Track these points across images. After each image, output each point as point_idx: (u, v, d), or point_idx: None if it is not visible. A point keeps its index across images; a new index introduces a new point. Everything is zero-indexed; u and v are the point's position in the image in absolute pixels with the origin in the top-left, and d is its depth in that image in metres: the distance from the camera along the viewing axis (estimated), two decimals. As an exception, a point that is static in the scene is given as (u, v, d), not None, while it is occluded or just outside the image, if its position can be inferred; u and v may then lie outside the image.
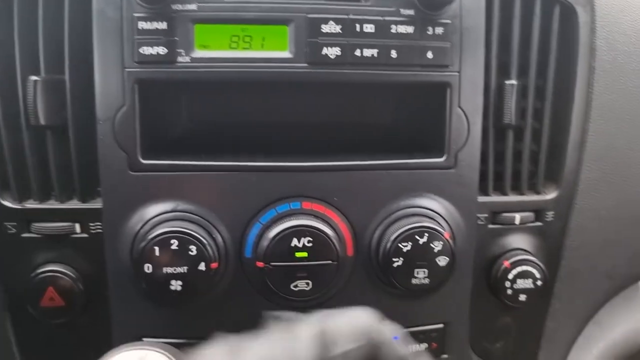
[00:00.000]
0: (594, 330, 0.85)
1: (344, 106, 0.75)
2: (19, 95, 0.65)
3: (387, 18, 0.63)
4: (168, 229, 0.60)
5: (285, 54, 0.62)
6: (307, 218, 0.64)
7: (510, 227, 0.75)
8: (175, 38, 0.61)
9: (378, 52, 0.63)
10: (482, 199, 0.72)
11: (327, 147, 0.72)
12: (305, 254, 0.62)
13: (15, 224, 0.67)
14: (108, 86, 0.62)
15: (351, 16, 0.62)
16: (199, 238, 0.60)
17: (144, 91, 0.62)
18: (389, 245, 0.63)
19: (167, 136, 0.72)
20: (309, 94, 0.73)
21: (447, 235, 0.64)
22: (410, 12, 0.63)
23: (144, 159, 0.63)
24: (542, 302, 0.79)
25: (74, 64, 0.65)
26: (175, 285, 0.60)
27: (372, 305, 0.69)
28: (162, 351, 0.48)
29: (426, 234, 0.63)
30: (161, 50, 0.61)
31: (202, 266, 0.60)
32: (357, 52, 0.63)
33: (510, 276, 0.72)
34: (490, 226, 0.74)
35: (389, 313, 0.69)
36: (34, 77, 0.64)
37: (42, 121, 0.65)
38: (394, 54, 0.63)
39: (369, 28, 0.63)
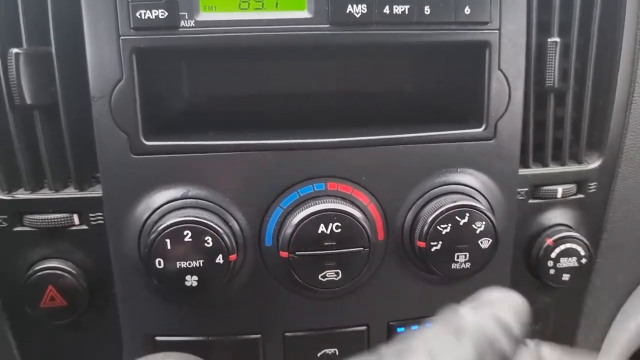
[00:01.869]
0: (633, 304, 0.80)
1: (369, 72, 0.67)
2: (-1, 71, 0.57)
3: (419, -32, 0.55)
4: (180, 218, 0.53)
5: (304, 14, 0.54)
6: (334, 200, 0.57)
7: (551, 201, 0.69)
8: (177, -1, 0.52)
9: (409, 9, 0.55)
10: (522, 171, 0.66)
11: (351, 120, 0.65)
12: (333, 242, 0.56)
13: (5, 217, 0.60)
14: (102, 58, 0.54)
15: (379, -33, 0.54)
16: (214, 227, 0.53)
17: (142, 62, 0.55)
18: (426, 227, 0.57)
19: (170, 112, 0.64)
20: (330, 58, 0.65)
21: (489, 214, 0.58)
22: (446, -40, 0.55)
23: (146, 140, 0.56)
24: (582, 280, 0.74)
25: (60, 33, 0.57)
26: (191, 280, 0.54)
27: (406, 293, 0.64)
28: None
29: (467, 214, 0.57)
30: (161, 13, 0.53)
31: (219, 259, 0.54)
32: (386, 9, 0.55)
33: (553, 255, 0.66)
34: (531, 201, 0.68)
35: (423, 300, 0.64)
36: (15, 50, 0.55)
37: (28, 100, 0.57)
38: (427, 10, 0.55)
39: (398, -19, 0.55)
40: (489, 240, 0.58)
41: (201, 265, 0.54)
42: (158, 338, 0.61)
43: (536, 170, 0.67)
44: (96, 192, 0.60)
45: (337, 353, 0.63)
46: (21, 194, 0.60)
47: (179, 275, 0.54)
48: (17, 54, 0.55)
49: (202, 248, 0.53)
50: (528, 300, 0.75)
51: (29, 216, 0.60)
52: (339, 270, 0.57)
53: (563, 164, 0.69)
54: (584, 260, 0.67)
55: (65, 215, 0.60)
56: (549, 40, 0.64)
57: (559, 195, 0.68)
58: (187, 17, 0.53)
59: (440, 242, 0.57)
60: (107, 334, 0.62)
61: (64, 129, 0.58)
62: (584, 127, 0.69)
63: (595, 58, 0.67)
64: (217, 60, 0.63)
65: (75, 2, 0.54)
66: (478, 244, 0.58)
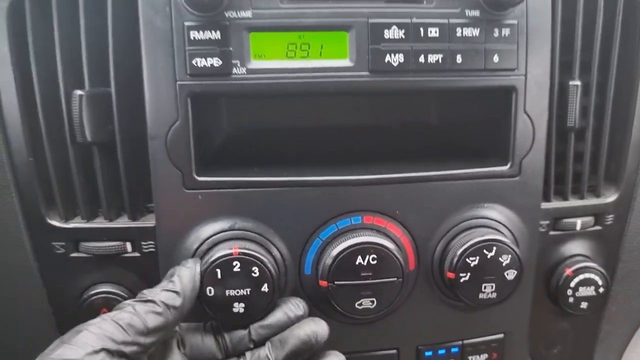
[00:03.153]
0: (647, 330, 0.84)
1: (399, 113, 0.72)
2: (63, 110, 0.62)
3: (452, 20, 0.59)
4: (229, 250, 0.58)
5: (346, 63, 0.59)
6: (370, 233, 0.61)
7: (570, 233, 0.72)
8: (230, 48, 0.57)
9: (443, 58, 0.59)
10: (543, 205, 0.70)
11: (384, 156, 0.69)
12: (369, 272, 0.60)
13: (63, 243, 0.65)
14: (159, 101, 0.58)
15: (414, 20, 0.58)
16: (261, 259, 0.58)
17: (196, 104, 0.59)
18: (455, 259, 0.61)
19: (218, 149, 0.69)
20: (363, 100, 0.69)
21: (514, 247, 0.62)
22: (476, 13, 0.60)
23: (198, 175, 0.60)
24: (599, 306, 0.77)
25: (120, 76, 0.61)
26: (238, 307, 0.58)
27: (433, 319, 0.68)
28: None
29: (494, 247, 0.61)
30: (215, 61, 0.57)
31: (265, 287, 0.58)
32: (422, 59, 0.59)
33: (572, 284, 0.70)
34: (551, 233, 0.72)
35: (450, 325, 0.69)
36: (79, 92, 0.60)
37: (88, 137, 0.61)
38: (459, 58, 0.60)
39: (433, 32, 0.59)
40: (514, 272, 0.62)
41: (248, 293, 0.58)
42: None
43: (557, 204, 0.71)
44: (148, 221, 0.64)
45: (369, 375, 0.67)
46: (78, 223, 0.65)
47: (227, 303, 0.58)
48: (80, 96, 0.60)
49: (250, 278, 0.57)
50: (547, 325, 0.80)
51: (84, 243, 0.64)
52: (374, 299, 0.61)
53: (582, 198, 0.72)
54: (601, 290, 0.71)
55: (118, 243, 0.64)
56: (570, 83, 0.68)
57: (578, 227, 0.72)
58: (239, 65, 0.57)
59: (469, 273, 0.61)
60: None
61: (120, 164, 0.63)
62: (602, 162, 0.73)
63: (614, 96, 0.71)
64: (260, 101, 0.68)
65: (135, 47, 0.59)
66: (504, 275, 0.62)
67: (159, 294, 0.53)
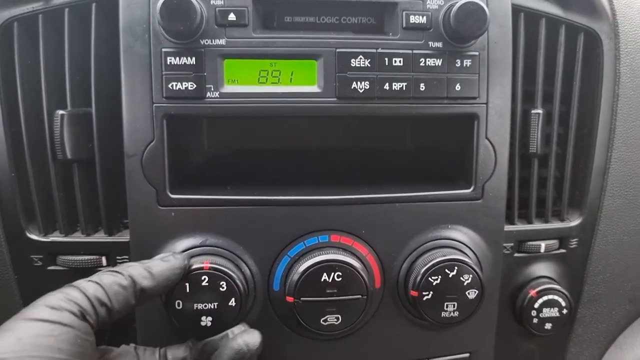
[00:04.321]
0: (615, 353, 0.85)
1: (369, 136, 0.75)
2: (45, 128, 0.65)
3: (415, 51, 0.63)
4: (198, 265, 0.60)
5: (314, 89, 0.62)
6: (336, 252, 0.63)
7: (534, 255, 0.75)
8: (204, 73, 0.60)
9: (406, 86, 0.63)
10: (507, 227, 0.72)
11: (353, 177, 0.72)
12: (334, 289, 0.62)
13: (41, 256, 0.67)
14: (136, 121, 0.61)
15: (380, 50, 0.62)
16: (229, 274, 0.60)
17: (171, 126, 0.62)
18: (418, 278, 0.63)
19: (192, 167, 0.71)
20: (334, 123, 0.72)
21: (476, 267, 0.64)
22: (439, 44, 0.63)
23: (172, 193, 0.63)
24: (565, 328, 0.79)
25: (100, 98, 0.65)
26: (206, 321, 0.60)
27: (399, 337, 0.70)
28: None
29: (456, 267, 0.63)
30: (190, 85, 0.60)
31: (232, 302, 0.60)
32: (386, 86, 0.62)
33: (536, 305, 0.72)
34: (516, 255, 0.74)
35: (415, 344, 0.70)
36: (61, 111, 0.63)
37: (68, 155, 0.64)
38: (422, 87, 0.63)
39: (397, 62, 0.62)
40: (475, 292, 0.64)
41: (215, 307, 0.60)
42: None
43: (521, 226, 0.74)
44: (123, 237, 0.67)
45: (336, 392, 0.68)
46: (56, 237, 0.67)
47: (195, 316, 0.60)
48: (62, 115, 0.63)
49: (218, 292, 0.60)
50: (513, 346, 0.81)
51: (62, 257, 0.67)
52: (339, 315, 0.63)
53: (546, 221, 0.75)
54: (565, 311, 0.73)
55: (94, 257, 0.66)
56: (532, 111, 0.71)
57: (542, 250, 0.74)
58: (212, 89, 0.61)
59: (431, 292, 0.64)
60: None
61: (98, 181, 0.66)
62: (565, 187, 0.76)
63: (576, 125, 0.75)
64: (235, 123, 0.71)
65: (115, 71, 0.62)
66: (465, 294, 0.64)
67: (132, 266, 0.54)
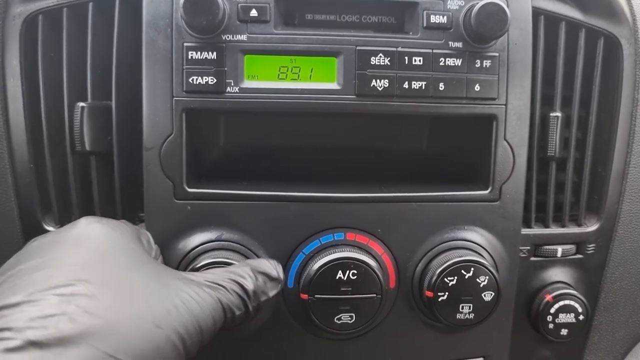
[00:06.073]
0: (631, 363, 0.84)
1: (386, 134, 0.75)
2: (65, 120, 0.65)
3: (435, 51, 0.63)
4: (212, 259, 0.60)
5: (334, 86, 0.62)
6: (351, 250, 0.63)
7: (551, 260, 0.74)
8: (225, 68, 0.61)
9: (426, 85, 0.63)
10: (524, 231, 0.72)
11: (371, 175, 0.72)
12: (349, 287, 0.62)
13: (56, 248, 0.67)
14: (156, 114, 0.62)
15: (400, 49, 0.62)
16: (244, 269, 0.60)
17: (190, 120, 0.62)
18: (434, 279, 0.63)
19: (209, 162, 0.72)
20: (351, 122, 0.72)
21: (492, 269, 0.63)
22: (459, 44, 0.63)
23: (189, 187, 0.63)
24: (581, 336, 0.78)
25: (121, 91, 0.65)
26: (219, 316, 0.60)
27: (413, 338, 0.69)
28: None
29: (472, 268, 0.63)
30: (210, 80, 0.61)
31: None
32: (405, 85, 0.62)
33: (552, 310, 0.71)
34: (532, 259, 0.73)
35: (429, 346, 0.69)
36: (81, 103, 0.64)
37: (87, 147, 0.65)
38: (441, 86, 0.63)
39: (417, 60, 0.62)
40: (491, 294, 0.63)
41: (230, 302, 0.60)
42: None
43: (538, 230, 0.73)
44: (139, 230, 0.67)
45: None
46: (72, 228, 0.67)
47: (209, 311, 0.59)
48: (82, 107, 0.64)
49: (232, 287, 0.59)
50: (528, 352, 0.80)
51: (77, 249, 0.67)
52: (353, 314, 0.62)
53: (563, 226, 0.74)
54: (581, 317, 0.72)
55: (109, 250, 0.66)
56: (551, 114, 0.71)
57: (559, 254, 0.73)
58: (232, 84, 0.61)
59: (447, 293, 0.63)
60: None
61: (115, 173, 0.66)
62: (583, 192, 0.75)
63: (595, 129, 0.74)
64: (253, 118, 0.71)
65: (136, 65, 0.63)
66: (481, 296, 0.63)
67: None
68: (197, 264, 0.60)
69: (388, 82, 0.62)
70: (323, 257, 0.62)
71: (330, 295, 0.62)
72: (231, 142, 0.73)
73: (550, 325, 0.72)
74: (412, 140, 0.75)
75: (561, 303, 0.71)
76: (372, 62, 0.62)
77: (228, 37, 0.60)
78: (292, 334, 0.66)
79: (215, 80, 0.61)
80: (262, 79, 0.62)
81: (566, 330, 0.72)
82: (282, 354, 0.67)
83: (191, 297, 0.47)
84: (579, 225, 0.75)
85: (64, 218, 0.68)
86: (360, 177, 0.71)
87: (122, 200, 0.67)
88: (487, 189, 0.67)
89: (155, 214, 0.63)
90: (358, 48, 0.61)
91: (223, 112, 0.62)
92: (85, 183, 0.67)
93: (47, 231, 0.67)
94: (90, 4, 0.64)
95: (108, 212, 0.68)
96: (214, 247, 0.63)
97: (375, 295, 0.62)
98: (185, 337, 0.45)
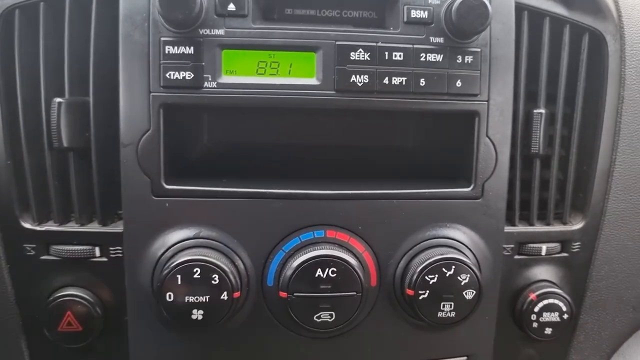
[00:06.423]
0: (617, 362, 0.83)
1: (368, 132, 0.74)
2: (42, 116, 0.64)
3: (416, 46, 0.62)
4: (191, 257, 0.59)
5: (313, 81, 0.61)
6: (332, 247, 0.62)
7: (535, 258, 0.73)
8: (202, 63, 0.60)
9: (406, 80, 0.62)
10: (508, 229, 0.71)
11: (351, 173, 0.71)
12: (329, 285, 0.61)
13: (34, 245, 0.66)
14: (133, 110, 0.61)
15: (380, 44, 0.61)
16: (221, 267, 0.59)
17: (168, 115, 0.62)
18: (415, 277, 0.62)
19: (188, 159, 0.71)
20: (333, 119, 0.72)
21: (474, 267, 0.63)
22: (440, 40, 0.62)
23: (167, 184, 0.62)
24: (567, 334, 0.77)
25: (98, 86, 0.64)
26: (197, 314, 0.59)
27: (395, 337, 0.68)
28: None
29: (453, 266, 0.62)
30: (187, 75, 0.60)
31: (224, 295, 0.59)
32: (386, 80, 0.62)
33: (536, 309, 0.70)
34: (516, 257, 0.73)
35: (411, 345, 0.69)
36: (58, 99, 0.63)
37: (65, 143, 0.64)
38: (422, 82, 0.62)
39: (397, 56, 0.62)
40: (472, 292, 0.63)
41: (207, 300, 0.59)
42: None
43: (522, 228, 0.72)
44: (118, 228, 0.66)
45: (329, 392, 0.67)
46: (50, 226, 0.66)
47: (186, 309, 0.59)
48: (59, 103, 0.63)
49: (209, 285, 0.59)
50: (513, 351, 0.79)
51: (55, 246, 0.66)
52: (333, 312, 0.62)
53: (548, 224, 0.74)
54: (565, 316, 0.71)
55: (87, 247, 0.66)
56: (534, 111, 0.70)
57: (543, 253, 0.72)
58: (210, 79, 0.60)
59: (428, 291, 0.62)
60: (118, 359, 0.67)
61: (94, 170, 0.65)
62: (568, 189, 0.74)
63: (580, 126, 0.74)
64: (233, 115, 0.70)
65: (114, 60, 0.62)
66: (463, 294, 0.63)
67: None
68: (174, 262, 0.59)
69: (368, 78, 0.61)
70: (302, 255, 0.61)
71: (309, 294, 0.61)
72: (211, 139, 0.72)
73: (535, 324, 0.71)
74: (395, 137, 0.74)
75: (545, 302, 0.70)
76: (351, 57, 0.61)
77: (205, 31, 0.60)
78: (272, 332, 0.65)
79: (192, 76, 0.60)
80: (240, 74, 0.61)
81: (550, 329, 0.71)
82: (263, 353, 0.66)
83: None
84: (564, 223, 0.75)
85: (42, 216, 0.67)
86: (343, 175, 0.71)
87: (101, 197, 0.66)
88: (469, 187, 0.66)
89: (133, 211, 0.63)
90: (337, 43, 0.61)
91: (201, 107, 0.61)
92: (64, 180, 0.66)
93: (24, 229, 0.66)
94: (68, -1, 0.64)
95: (86, 209, 0.67)
96: (192, 244, 0.62)
97: (355, 293, 0.62)
98: None
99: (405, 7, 0.62)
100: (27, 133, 0.65)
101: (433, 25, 0.62)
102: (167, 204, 0.62)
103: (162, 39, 0.60)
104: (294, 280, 0.61)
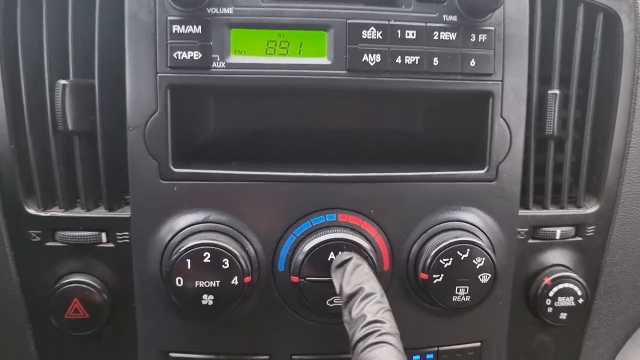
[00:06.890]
0: (631, 348, 0.82)
1: (380, 114, 0.72)
2: (46, 99, 0.63)
3: (429, 24, 0.61)
4: (200, 241, 0.58)
5: (324, 61, 0.60)
6: (343, 231, 0.61)
7: (550, 242, 0.72)
8: (210, 43, 0.58)
9: (419, 59, 0.61)
10: (522, 212, 0.69)
11: (363, 156, 0.70)
12: (341, 269, 0.60)
13: (39, 232, 0.65)
14: (140, 92, 0.59)
15: (392, 22, 0.60)
16: (232, 251, 0.58)
17: (175, 97, 0.60)
18: (429, 260, 0.61)
19: (196, 142, 0.69)
20: (345, 100, 0.70)
21: (489, 250, 0.61)
22: (453, 18, 0.61)
23: (175, 167, 0.61)
24: (581, 320, 0.76)
25: (103, 68, 0.63)
26: (207, 299, 0.58)
27: (408, 323, 0.67)
28: None
29: (468, 250, 0.61)
30: (195, 55, 0.58)
31: (234, 280, 0.58)
32: (398, 59, 0.60)
33: (551, 294, 0.69)
34: (530, 241, 0.71)
35: (425, 330, 0.67)
36: (62, 81, 0.62)
37: (70, 126, 0.62)
38: (435, 61, 0.61)
39: (410, 34, 0.60)
40: (488, 276, 0.61)
41: (217, 285, 0.58)
42: (172, 354, 0.64)
43: (536, 212, 0.71)
44: (124, 213, 0.64)
45: (341, 378, 0.66)
46: (55, 212, 0.65)
47: (196, 294, 0.57)
48: (64, 85, 0.61)
49: (219, 269, 0.57)
50: (527, 337, 0.78)
51: (60, 232, 0.64)
52: (345, 297, 0.60)
53: (562, 207, 0.72)
54: (580, 301, 0.70)
55: (94, 233, 0.64)
56: (549, 92, 0.68)
57: (558, 236, 0.71)
58: (218, 59, 0.59)
59: (442, 275, 0.61)
60: (125, 346, 0.66)
61: (99, 154, 0.64)
62: (582, 172, 0.73)
63: (594, 109, 0.72)
64: (243, 96, 0.69)
65: (119, 40, 0.60)
66: (478, 278, 0.61)
67: None
68: (183, 246, 0.58)
69: (380, 57, 0.60)
70: (314, 239, 0.60)
71: (321, 278, 0.59)
72: (221, 122, 0.71)
73: (549, 309, 0.70)
74: (407, 119, 0.73)
75: (560, 286, 0.69)
76: (363, 36, 0.59)
77: (213, 10, 0.58)
78: (283, 317, 0.64)
79: (200, 55, 0.58)
80: (249, 54, 0.59)
81: (565, 314, 0.70)
82: (273, 339, 0.65)
83: None
84: (578, 206, 0.73)
85: (47, 201, 0.66)
86: (354, 158, 0.69)
87: (107, 182, 0.65)
88: (483, 169, 0.65)
89: (140, 196, 0.61)
90: (349, 21, 0.59)
91: (209, 88, 0.60)
92: (69, 164, 0.65)
93: (29, 215, 0.64)
94: (71, -22, 0.62)
95: (92, 194, 0.66)
96: (201, 228, 0.61)
97: (368, 277, 0.60)
98: None
99: (418, -16, 0.60)
100: (31, 116, 0.63)
101: (446, 3, 0.61)
102: (175, 188, 0.61)
103: (169, 18, 0.58)
104: (306, 265, 0.59)
